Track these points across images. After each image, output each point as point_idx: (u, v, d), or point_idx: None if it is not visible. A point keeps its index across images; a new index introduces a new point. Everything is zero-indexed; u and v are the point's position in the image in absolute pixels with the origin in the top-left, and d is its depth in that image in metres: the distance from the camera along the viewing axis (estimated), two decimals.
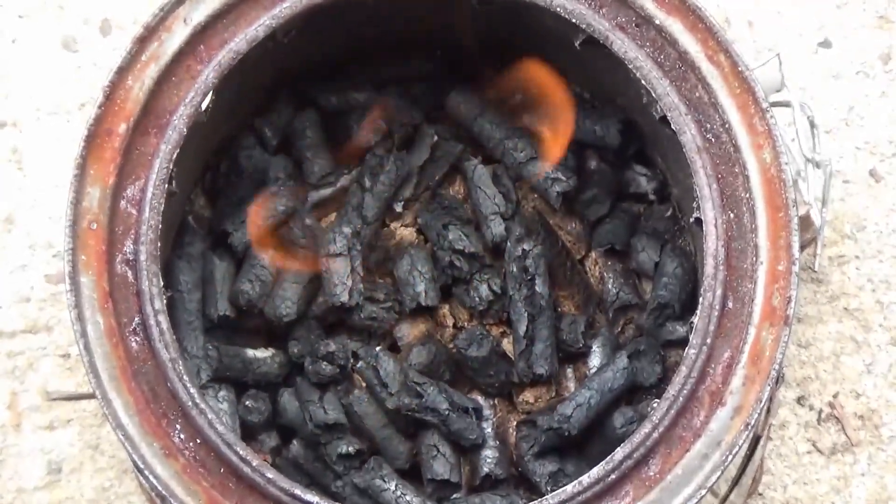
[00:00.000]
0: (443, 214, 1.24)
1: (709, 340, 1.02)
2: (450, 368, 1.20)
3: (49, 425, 1.37)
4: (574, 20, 1.08)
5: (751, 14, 1.51)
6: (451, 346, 1.22)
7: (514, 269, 1.19)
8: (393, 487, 1.14)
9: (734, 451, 1.00)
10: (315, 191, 1.24)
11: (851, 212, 1.44)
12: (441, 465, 1.15)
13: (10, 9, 1.50)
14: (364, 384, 1.20)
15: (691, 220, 1.07)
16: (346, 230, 1.19)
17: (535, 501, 1.00)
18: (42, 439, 1.37)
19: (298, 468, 1.18)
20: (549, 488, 1.14)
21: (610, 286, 1.23)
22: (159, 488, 1.00)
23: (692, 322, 1.03)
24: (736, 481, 1.23)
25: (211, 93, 1.08)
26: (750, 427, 1.01)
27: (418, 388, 1.15)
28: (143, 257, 1.03)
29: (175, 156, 1.05)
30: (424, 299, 1.20)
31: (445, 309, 1.24)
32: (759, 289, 1.03)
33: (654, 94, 1.07)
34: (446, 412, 1.15)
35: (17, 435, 1.37)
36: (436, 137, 1.25)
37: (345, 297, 1.17)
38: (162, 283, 1.03)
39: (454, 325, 1.24)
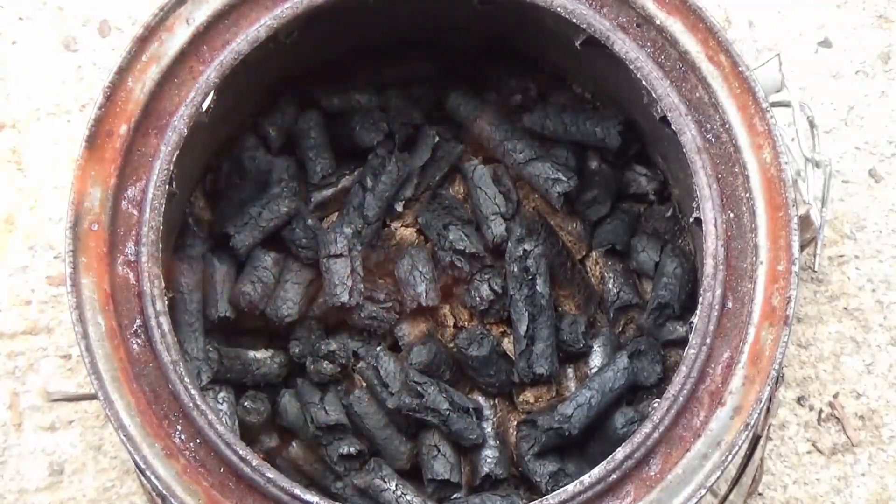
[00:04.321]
0: (443, 214, 1.24)
1: (708, 340, 1.02)
2: (450, 368, 1.20)
3: (50, 426, 1.37)
4: (574, 20, 1.08)
5: (751, 14, 1.51)
6: (451, 345, 1.22)
7: (515, 269, 1.19)
8: (393, 487, 1.14)
9: (734, 451, 1.00)
10: (317, 191, 1.25)
11: (851, 212, 1.44)
12: (441, 465, 1.16)
13: (10, 10, 1.50)
14: (364, 384, 1.20)
15: (691, 220, 1.07)
16: (347, 230, 1.19)
17: (536, 501, 1.00)
18: (43, 440, 1.37)
19: (298, 469, 1.18)
20: (549, 488, 1.14)
21: (610, 286, 1.23)
22: (160, 488, 1.00)
23: (692, 322, 1.04)
24: (736, 481, 1.23)
25: (212, 93, 1.08)
26: (749, 427, 1.01)
27: (419, 388, 1.15)
28: (144, 259, 1.03)
29: (175, 157, 1.05)
30: (425, 299, 1.20)
31: (446, 309, 1.24)
32: (758, 289, 1.03)
33: (654, 95, 1.07)
34: (447, 412, 1.15)
35: (18, 435, 1.37)
36: (437, 138, 1.25)
37: (345, 298, 1.17)
38: (163, 285, 1.03)
39: (455, 325, 1.24)
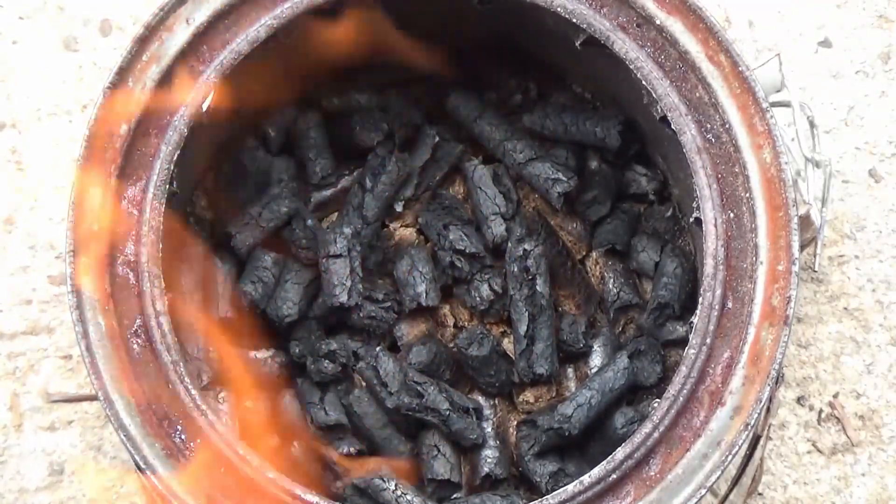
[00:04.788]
0: (443, 214, 1.24)
1: (708, 340, 1.02)
2: (450, 368, 1.20)
3: (50, 426, 1.37)
4: (575, 20, 1.08)
5: (751, 14, 1.51)
6: (451, 345, 1.22)
7: (515, 269, 1.19)
8: (393, 487, 1.14)
9: (734, 451, 1.00)
10: (317, 191, 1.25)
11: (851, 212, 1.44)
12: (441, 465, 1.16)
13: (10, 10, 1.50)
14: (364, 384, 1.20)
15: (691, 220, 1.07)
16: (347, 231, 1.19)
17: (536, 501, 1.00)
18: (43, 440, 1.37)
19: (298, 469, 1.18)
20: (549, 488, 1.14)
21: (610, 286, 1.23)
22: (160, 488, 1.00)
23: (692, 322, 1.04)
24: (736, 481, 1.23)
25: (212, 93, 1.08)
26: (750, 427, 1.01)
27: (418, 388, 1.15)
28: (144, 259, 1.03)
29: (176, 156, 1.05)
30: (425, 300, 1.20)
31: (446, 309, 1.24)
32: (758, 289, 1.03)
33: (654, 95, 1.07)
34: (447, 412, 1.15)
35: (18, 436, 1.37)
36: (437, 138, 1.25)
37: (344, 298, 1.17)
38: (163, 285, 1.03)
39: (455, 325, 1.24)
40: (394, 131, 1.25)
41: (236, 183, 1.24)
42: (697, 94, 1.07)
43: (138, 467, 1.01)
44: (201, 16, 1.08)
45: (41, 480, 1.36)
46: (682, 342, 1.13)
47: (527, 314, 1.18)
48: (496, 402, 1.22)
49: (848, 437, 1.38)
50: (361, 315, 1.19)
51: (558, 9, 1.08)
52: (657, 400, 1.09)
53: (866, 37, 1.50)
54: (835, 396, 1.39)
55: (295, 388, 1.19)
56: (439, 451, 1.16)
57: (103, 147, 1.05)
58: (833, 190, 1.40)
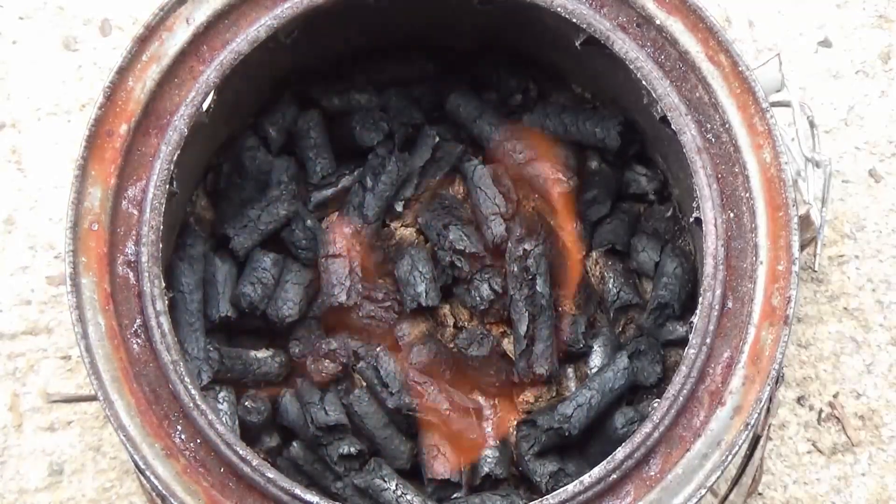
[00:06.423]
0: (443, 214, 1.24)
1: (708, 340, 1.02)
2: (450, 368, 1.20)
3: (50, 427, 1.37)
4: (574, 20, 1.08)
5: (751, 14, 1.51)
6: (451, 345, 1.22)
7: (515, 269, 1.19)
8: (393, 487, 1.14)
9: (734, 451, 1.00)
10: (317, 191, 1.25)
11: (851, 212, 1.44)
12: (441, 465, 1.16)
13: (10, 10, 1.50)
14: (364, 384, 1.20)
15: (691, 219, 1.07)
16: (347, 230, 1.19)
17: (536, 501, 1.00)
18: (43, 440, 1.37)
19: (298, 469, 1.18)
20: (549, 488, 1.14)
21: (610, 286, 1.23)
22: (160, 488, 1.00)
23: (692, 322, 1.04)
24: (736, 481, 1.23)
25: (212, 93, 1.08)
26: (750, 427, 1.01)
27: (419, 388, 1.15)
28: (144, 258, 1.03)
29: (176, 156, 1.06)
30: (425, 300, 1.20)
31: (446, 308, 1.24)
32: (758, 288, 1.03)
33: (654, 95, 1.07)
34: (447, 412, 1.15)
35: (18, 436, 1.37)
36: (437, 138, 1.25)
37: (343, 298, 1.17)
38: (163, 285, 1.03)
39: (455, 325, 1.24)
40: (394, 131, 1.25)
41: (237, 182, 1.24)
42: (697, 94, 1.07)
43: (138, 467, 1.01)
44: (201, 16, 1.08)
45: (41, 481, 1.36)
46: (682, 342, 1.13)
47: (527, 314, 1.18)
48: (496, 402, 1.22)
49: (848, 437, 1.38)
50: (361, 315, 1.19)
51: (558, 9, 1.08)
52: (657, 400, 1.09)
53: (866, 37, 1.50)
54: (835, 396, 1.39)
55: (295, 388, 1.19)
56: (439, 451, 1.16)
57: (103, 147, 1.05)
58: (833, 190, 1.40)
